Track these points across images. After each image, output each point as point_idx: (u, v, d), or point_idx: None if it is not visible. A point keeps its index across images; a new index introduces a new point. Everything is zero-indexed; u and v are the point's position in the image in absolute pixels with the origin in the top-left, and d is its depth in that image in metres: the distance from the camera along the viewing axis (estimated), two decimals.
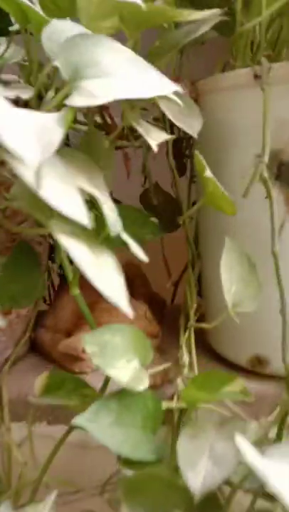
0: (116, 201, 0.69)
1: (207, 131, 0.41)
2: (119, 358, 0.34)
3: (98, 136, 0.38)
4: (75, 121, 0.51)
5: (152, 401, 0.37)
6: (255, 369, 0.44)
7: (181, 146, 0.51)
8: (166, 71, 0.49)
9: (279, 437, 0.35)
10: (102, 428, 0.34)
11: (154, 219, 0.42)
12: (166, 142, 0.46)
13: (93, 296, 0.49)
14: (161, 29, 0.44)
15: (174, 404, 0.39)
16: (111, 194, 0.64)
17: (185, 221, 0.43)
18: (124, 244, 0.43)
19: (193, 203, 0.56)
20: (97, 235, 0.30)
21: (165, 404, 0.37)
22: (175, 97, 0.28)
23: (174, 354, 0.45)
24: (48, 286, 0.59)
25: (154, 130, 0.32)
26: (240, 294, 0.36)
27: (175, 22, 0.43)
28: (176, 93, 0.29)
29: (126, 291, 0.29)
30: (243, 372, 0.45)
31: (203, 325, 0.39)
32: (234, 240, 0.35)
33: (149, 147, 0.46)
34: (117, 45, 0.28)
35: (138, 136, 0.43)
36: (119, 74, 0.26)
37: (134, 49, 0.41)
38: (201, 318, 0.49)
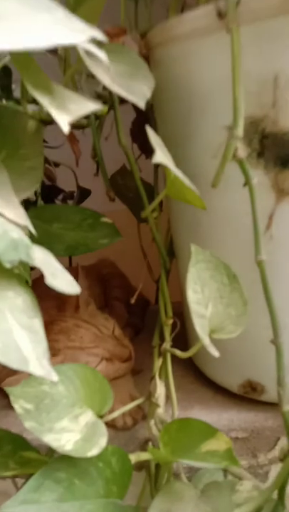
0: (85, 191, 0.58)
1: (167, 96, 0.31)
2: (61, 415, 0.26)
3: (19, 115, 0.28)
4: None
5: (117, 457, 0.28)
6: (248, 396, 0.35)
7: (145, 119, 0.41)
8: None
9: (281, 500, 0.27)
10: (46, 508, 0.25)
11: (106, 219, 0.32)
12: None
13: (49, 315, 0.40)
14: None
15: (147, 455, 0.30)
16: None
17: (148, 217, 0.33)
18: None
19: None
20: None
21: (135, 458, 0.29)
22: (95, 50, 0.19)
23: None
24: None
25: (74, 99, 0.22)
26: (220, 317, 0.26)
27: None
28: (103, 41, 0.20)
29: (46, 346, 0.20)
30: (236, 398, 0.36)
31: (179, 353, 0.30)
32: (204, 248, 0.26)
33: (99, 125, 0.37)
34: None
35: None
36: None
37: None
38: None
